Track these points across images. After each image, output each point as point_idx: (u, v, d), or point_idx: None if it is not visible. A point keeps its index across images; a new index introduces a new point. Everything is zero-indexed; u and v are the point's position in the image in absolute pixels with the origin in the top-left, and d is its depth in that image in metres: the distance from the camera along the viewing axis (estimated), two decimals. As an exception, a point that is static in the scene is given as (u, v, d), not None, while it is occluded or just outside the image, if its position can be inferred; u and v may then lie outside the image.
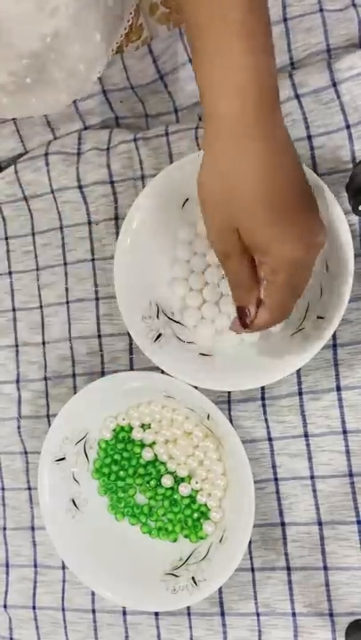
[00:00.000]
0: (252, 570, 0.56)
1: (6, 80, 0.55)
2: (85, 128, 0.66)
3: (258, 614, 0.55)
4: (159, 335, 0.56)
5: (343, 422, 0.54)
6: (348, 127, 0.55)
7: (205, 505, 0.56)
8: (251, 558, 0.56)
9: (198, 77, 0.42)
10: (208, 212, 0.44)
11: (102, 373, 0.62)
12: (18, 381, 0.65)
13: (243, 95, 0.40)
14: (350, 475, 0.53)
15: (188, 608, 0.57)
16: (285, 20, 0.58)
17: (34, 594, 0.63)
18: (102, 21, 0.58)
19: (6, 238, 0.67)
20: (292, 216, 0.42)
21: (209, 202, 0.44)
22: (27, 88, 0.57)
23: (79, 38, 0.56)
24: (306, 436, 0.55)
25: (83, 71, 0.60)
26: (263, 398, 0.56)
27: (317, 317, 0.52)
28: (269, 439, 0.56)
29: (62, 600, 0.62)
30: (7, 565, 0.65)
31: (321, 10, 0.57)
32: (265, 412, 0.56)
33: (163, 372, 0.55)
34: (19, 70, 0.55)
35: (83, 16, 0.54)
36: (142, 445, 0.59)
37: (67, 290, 0.64)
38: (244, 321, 0.47)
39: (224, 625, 0.56)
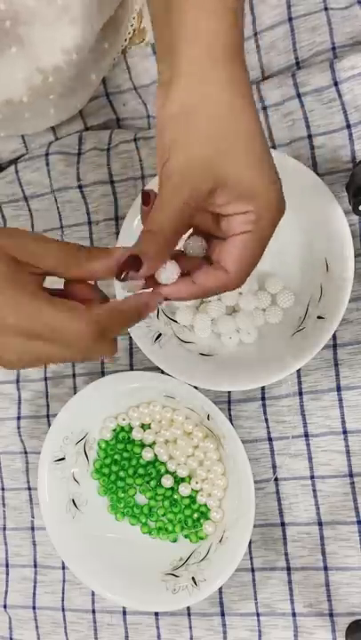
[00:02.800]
0: (252, 570, 0.56)
1: (30, 97, 0.56)
2: (87, 129, 0.66)
3: (258, 614, 0.55)
4: (159, 335, 0.56)
5: (343, 422, 0.54)
6: (348, 127, 0.55)
7: (205, 505, 0.56)
8: (251, 558, 0.56)
9: (172, 28, 0.40)
10: (182, 173, 0.38)
11: (102, 373, 0.61)
12: (18, 381, 0.65)
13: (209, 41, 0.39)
14: (350, 475, 0.53)
15: (188, 608, 0.57)
16: (290, 19, 0.58)
17: (34, 594, 0.63)
18: (109, 29, 0.58)
19: (6, 238, 0.67)
20: (271, 163, 0.40)
21: (187, 160, 0.38)
22: (49, 102, 0.58)
23: (92, 49, 0.56)
24: (306, 436, 0.55)
25: (94, 79, 0.60)
26: (263, 398, 0.56)
27: (318, 317, 0.52)
28: (269, 439, 0.56)
29: (62, 600, 0.62)
30: (7, 565, 0.65)
31: (326, 8, 0.57)
32: (265, 412, 0.56)
33: (163, 371, 0.55)
34: (42, 88, 0.55)
35: (94, 26, 0.54)
36: (142, 445, 0.59)
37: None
38: (131, 271, 0.38)
39: (224, 625, 0.56)
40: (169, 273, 0.40)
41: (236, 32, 0.40)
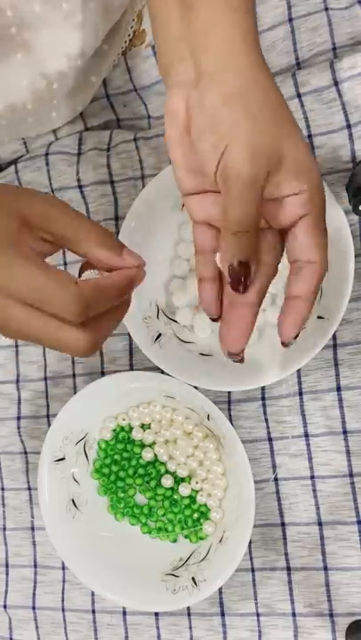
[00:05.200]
0: (252, 570, 0.56)
1: (33, 103, 0.56)
2: (87, 129, 0.66)
3: (258, 614, 0.55)
4: (159, 335, 0.56)
5: (343, 422, 0.54)
6: (348, 127, 0.55)
7: (205, 505, 0.56)
8: (251, 558, 0.56)
9: (193, 27, 0.40)
10: (251, 162, 0.38)
11: (102, 373, 0.61)
12: (18, 381, 0.65)
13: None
14: (350, 475, 0.53)
15: (188, 608, 0.57)
16: (291, 20, 0.58)
17: (34, 594, 0.63)
18: (110, 32, 0.59)
19: (6, 238, 0.67)
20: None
21: (252, 145, 0.38)
22: (52, 107, 0.59)
23: (94, 53, 0.57)
24: (306, 436, 0.55)
25: (95, 81, 0.61)
26: (263, 398, 0.56)
27: (318, 317, 0.52)
28: (269, 439, 0.56)
29: (62, 600, 0.62)
30: (7, 565, 0.65)
31: (326, 8, 0.57)
32: (265, 412, 0.56)
33: (163, 371, 0.55)
34: (46, 93, 0.56)
35: (99, 31, 0.54)
36: (142, 445, 0.59)
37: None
38: (243, 284, 0.39)
39: (224, 625, 0.56)
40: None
41: (255, 20, 0.41)
